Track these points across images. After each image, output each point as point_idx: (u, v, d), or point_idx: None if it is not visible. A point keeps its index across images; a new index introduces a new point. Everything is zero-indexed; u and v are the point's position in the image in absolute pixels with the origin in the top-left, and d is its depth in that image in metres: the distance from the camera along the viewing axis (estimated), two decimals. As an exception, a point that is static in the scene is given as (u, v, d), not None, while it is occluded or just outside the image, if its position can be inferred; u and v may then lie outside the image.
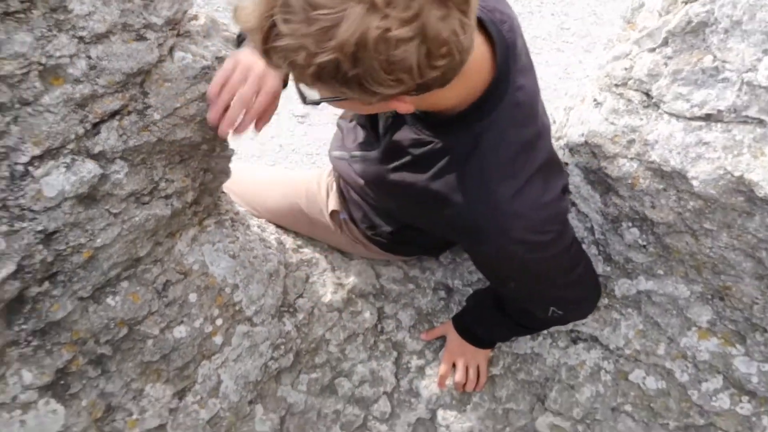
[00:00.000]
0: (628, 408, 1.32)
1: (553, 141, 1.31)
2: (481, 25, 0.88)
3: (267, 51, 0.69)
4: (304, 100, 0.79)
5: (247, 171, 1.55)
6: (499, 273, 1.09)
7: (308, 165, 3.20)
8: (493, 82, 0.89)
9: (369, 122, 1.11)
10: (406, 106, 0.80)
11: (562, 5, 4.55)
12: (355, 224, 1.31)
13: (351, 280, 1.36)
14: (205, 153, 1.02)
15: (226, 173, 1.12)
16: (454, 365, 1.33)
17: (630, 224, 1.19)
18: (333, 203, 1.34)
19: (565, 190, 1.08)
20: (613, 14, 4.47)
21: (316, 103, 0.79)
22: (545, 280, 1.07)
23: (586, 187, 1.24)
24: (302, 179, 1.45)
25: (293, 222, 1.44)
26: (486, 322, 1.28)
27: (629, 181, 1.14)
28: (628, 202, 1.16)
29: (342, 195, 1.32)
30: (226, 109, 0.91)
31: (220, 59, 0.94)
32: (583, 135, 1.19)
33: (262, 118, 0.95)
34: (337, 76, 0.68)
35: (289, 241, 1.37)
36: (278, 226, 1.44)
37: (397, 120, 1.00)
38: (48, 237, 0.84)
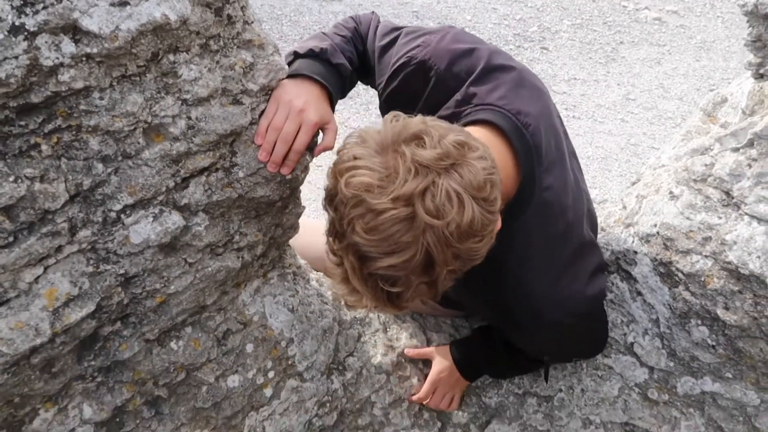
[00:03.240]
0: None
1: (622, 228, 1.28)
2: (503, 134, 0.95)
3: (400, 307, 0.80)
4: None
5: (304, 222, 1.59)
6: (537, 349, 1.19)
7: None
8: (519, 188, 0.95)
9: None
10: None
11: (629, 76, 4.51)
12: None
13: (402, 343, 1.34)
14: (279, 209, 1.06)
15: (294, 228, 1.15)
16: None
17: (699, 322, 1.14)
18: None
19: (602, 269, 1.15)
20: (681, 89, 4.38)
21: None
22: (579, 349, 1.19)
23: (654, 278, 1.21)
24: None
25: None
26: (493, 361, 1.28)
27: (702, 279, 1.10)
28: (699, 299, 1.12)
29: None
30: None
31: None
32: (655, 226, 1.17)
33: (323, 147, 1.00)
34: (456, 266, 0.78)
35: (345, 297, 1.38)
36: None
37: None
38: (127, 281, 0.88)
